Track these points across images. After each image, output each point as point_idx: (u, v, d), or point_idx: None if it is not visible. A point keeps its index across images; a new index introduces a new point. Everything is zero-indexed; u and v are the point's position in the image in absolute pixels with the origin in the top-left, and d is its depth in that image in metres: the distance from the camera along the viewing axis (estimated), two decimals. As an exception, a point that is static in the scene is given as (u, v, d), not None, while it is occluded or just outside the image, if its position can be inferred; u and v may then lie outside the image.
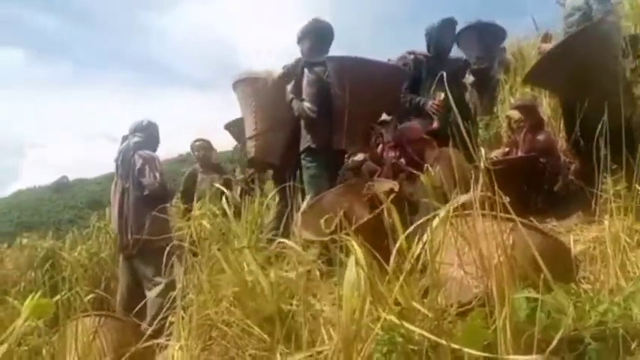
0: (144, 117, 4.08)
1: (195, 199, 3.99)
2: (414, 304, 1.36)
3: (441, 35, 4.06)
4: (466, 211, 1.51)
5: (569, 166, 3.73)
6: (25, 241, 6.01)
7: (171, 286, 3.15)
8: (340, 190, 3.24)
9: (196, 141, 5.51)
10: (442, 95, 3.62)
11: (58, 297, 2.05)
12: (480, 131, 4.94)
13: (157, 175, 3.72)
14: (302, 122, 3.72)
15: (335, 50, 3.85)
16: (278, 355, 1.57)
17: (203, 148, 5.46)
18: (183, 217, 4.57)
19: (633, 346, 1.17)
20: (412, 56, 4.09)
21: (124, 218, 3.78)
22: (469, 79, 5.40)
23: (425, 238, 1.45)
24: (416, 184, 2.82)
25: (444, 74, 2.96)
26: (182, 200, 5.23)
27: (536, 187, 3.48)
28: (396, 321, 1.27)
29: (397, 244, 1.52)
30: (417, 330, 1.24)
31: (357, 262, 1.37)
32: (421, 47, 4.20)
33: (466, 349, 1.10)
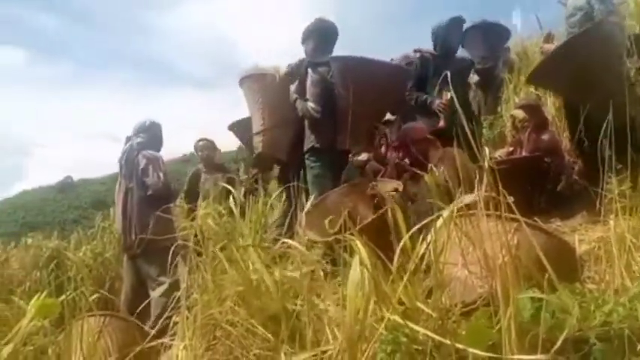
0: (146, 117, 4.09)
1: (199, 198, 4.00)
2: (418, 304, 1.36)
3: (449, 34, 4.04)
4: (470, 211, 1.51)
5: (574, 166, 3.72)
6: (30, 241, 6.04)
7: (175, 285, 3.16)
8: (344, 190, 3.24)
9: (200, 141, 5.52)
10: (449, 94, 3.61)
11: (63, 297, 2.06)
12: (484, 131, 4.93)
13: (161, 175, 3.73)
14: (306, 122, 3.72)
15: (337, 50, 3.86)
16: (282, 355, 1.57)
17: (207, 148, 5.47)
18: (187, 217, 4.58)
19: (639, 347, 1.17)
20: (418, 54, 4.08)
21: (127, 218, 3.79)
22: (473, 78, 5.40)
23: (429, 238, 1.45)
24: (420, 184, 2.81)
25: (449, 74, 2.96)
26: (186, 200, 5.24)
27: (541, 186, 3.47)
28: (400, 321, 1.27)
29: (401, 244, 1.52)
30: (421, 330, 1.24)
31: (361, 262, 1.38)
32: (423, 46, 4.20)
33: (470, 349, 1.10)
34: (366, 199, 3.04)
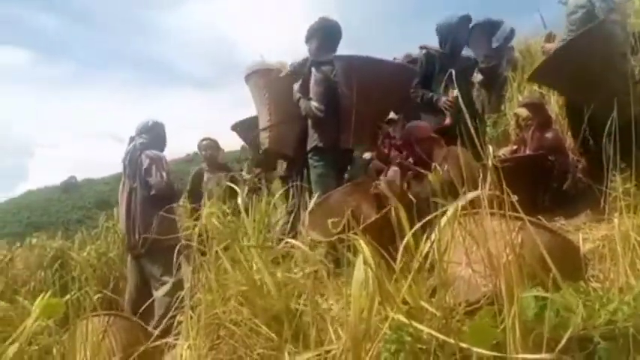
0: (149, 117, 4.10)
1: (202, 198, 4.01)
2: (422, 303, 1.36)
3: (459, 32, 4.03)
4: (474, 210, 1.50)
5: (577, 164, 3.71)
6: (34, 241, 6.07)
7: (178, 285, 3.17)
8: (347, 190, 3.24)
9: (203, 140, 5.54)
10: (455, 92, 3.60)
11: (67, 297, 2.06)
12: (488, 129, 4.92)
13: (164, 174, 3.74)
14: (309, 121, 3.72)
15: (340, 49, 3.85)
16: (286, 354, 1.57)
17: (210, 147, 5.48)
18: (190, 216, 4.59)
19: (644, 345, 1.16)
20: (424, 51, 4.06)
21: (131, 218, 3.80)
22: (477, 77, 5.39)
23: (433, 236, 1.45)
24: (423, 183, 2.81)
25: (453, 72, 2.95)
26: (189, 200, 5.25)
27: (545, 185, 3.46)
28: (404, 320, 1.27)
29: (404, 243, 1.52)
30: (425, 329, 1.24)
31: (365, 262, 1.37)
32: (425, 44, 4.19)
33: (474, 348, 1.10)
34: (369, 198, 3.04)
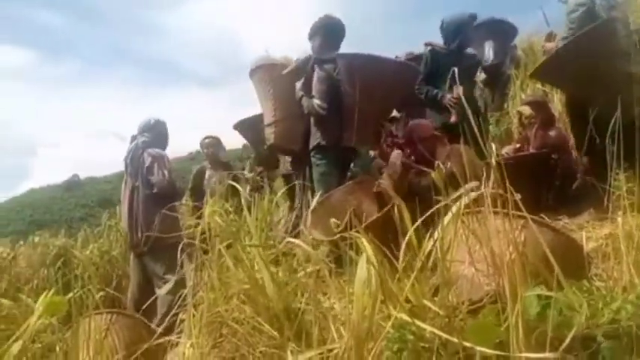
0: (151, 116, 4.11)
1: (205, 196, 4.00)
2: (425, 301, 1.36)
3: (467, 30, 4.03)
4: (477, 208, 1.50)
5: (582, 163, 3.69)
6: (37, 239, 6.10)
7: (181, 283, 3.17)
8: (348, 188, 3.23)
9: (206, 138, 5.54)
10: (461, 89, 3.59)
11: (70, 295, 2.07)
12: (491, 127, 4.91)
13: (166, 173, 3.75)
14: (312, 119, 3.72)
15: (342, 47, 3.84)
16: (289, 353, 1.57)
17: (212, 145, 5.49)
18: (192, 214, 4.59)
19: (647, 344, 1.16)
20: (429, 47, 4.06)
21: (134, 216, 3.81)
22: (480, 76, 5.38)
23: (436, 235, 1.45)
24: (427, 179, 2.80)
25: (456, 70, 2.94)
26: (191, 198, 5.26)
27: (548, 183, 3.45)
28: (407, 319, 1.27)
29: (406, 241, 1.52)
30: (428, 328, 1.24)
31: (367, 260, 1.37)
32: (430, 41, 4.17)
33: (477, 347, 1.09)
34: (370, 196, 3.03)
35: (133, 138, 4.00)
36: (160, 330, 2.27)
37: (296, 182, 3.65)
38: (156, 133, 4.02)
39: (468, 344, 1.12)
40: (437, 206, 1.47)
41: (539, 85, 5.18)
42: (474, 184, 1.56)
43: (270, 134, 3.99)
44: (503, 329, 1.13)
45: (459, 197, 1.53)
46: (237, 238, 2.24)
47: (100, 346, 2.15)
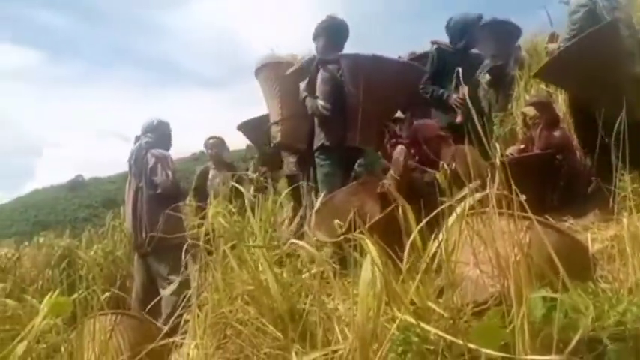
0: (155, 117, 4.12)
1: (208, 196, 4.01)
2: (430, 303, 1.35)
3: (474, 30, 4.03)
4: (482, 209, 1.49)
5: (586, 163, 3.68)
6: (42, 239, 6.11)
7: (185, 284, 3.18)
8: (352, 189, 3.23)
9: (210, 139, 5.56)
10: (467, 89, 3.59)
11: (75, 295, 2.07)
12: (495, 128, 4.90)
13: (169, 173, 3.75)
14: (315, 120, 3.72)
15: (346, 48, 3.84)
16: (293, 354, 1.57)
17: (216, 145, 5.50)
18: (196, 215, 4.60)
19: (654, 346, 1.15)
20: (436, 46, 4.05)
21: (137, 217, 3.82)
22: (485, 76, 5.37)
23: (440, 236, 1.44)
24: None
25: (460, 70, 2.94)
26: (195, 198, 5.27)
27: (553, 184, 3.44)
28: (412, 320, 1.27)
29: (410, 242, 1.51)
30: (433, 329, 1.23)
31: (372, 261, 1.37)
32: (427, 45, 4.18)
33: (482, 349, 1.09)
34: (374, 197, 3.03)
35: (137, 139, 4.01)
36: (164, 330, 2.28)
37: (301, 183, 3.65)
38: (159, 134, 4.03)
39: (472, 346, 1.11)
40: (441, 207, 1.47)
41: (543, 86, 5.17)
42: (476, 183, 1.56)
43: (276, 132, 3.99)
44: (509, 331, 1.13)
45: (464, 198, 1.53)
46: (241, 238, 2.24)
47: (105, 346, 2.15)
